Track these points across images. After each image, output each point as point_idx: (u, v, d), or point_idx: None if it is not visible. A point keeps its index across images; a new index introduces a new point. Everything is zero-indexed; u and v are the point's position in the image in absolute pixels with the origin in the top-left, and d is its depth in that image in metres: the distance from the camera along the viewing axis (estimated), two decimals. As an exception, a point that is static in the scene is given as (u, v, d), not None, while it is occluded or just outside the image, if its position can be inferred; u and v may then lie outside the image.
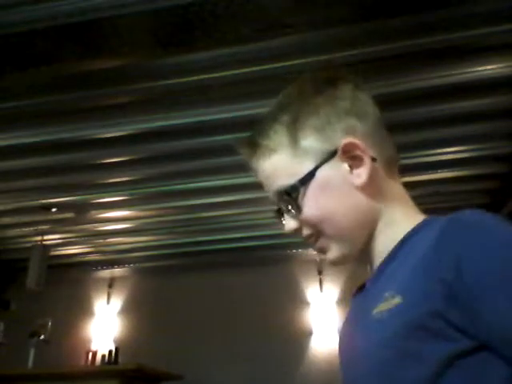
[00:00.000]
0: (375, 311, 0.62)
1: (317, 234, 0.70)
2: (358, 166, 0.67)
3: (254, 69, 2.47)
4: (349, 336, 0.71)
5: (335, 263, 0.71)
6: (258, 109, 2.75)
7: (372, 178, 0.67)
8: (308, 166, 0.68)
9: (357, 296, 0.76)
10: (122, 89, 2.64)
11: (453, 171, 3.46)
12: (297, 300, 4.85)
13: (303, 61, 2.42)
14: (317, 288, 4.87)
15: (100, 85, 2.61)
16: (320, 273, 4.94)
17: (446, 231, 0.57)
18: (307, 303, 4.82)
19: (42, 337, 4.06)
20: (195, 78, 2.52)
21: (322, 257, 0.72)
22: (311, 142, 0.69)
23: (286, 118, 0.73)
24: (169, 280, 5.10)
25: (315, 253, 0.75)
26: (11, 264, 5.09)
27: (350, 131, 0.69)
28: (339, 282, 4.82)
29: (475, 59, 2.44)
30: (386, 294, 0.61)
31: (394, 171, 0.72)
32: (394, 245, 0.66)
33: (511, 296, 0.51)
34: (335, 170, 0.68)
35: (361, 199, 0.68)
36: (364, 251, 0.71)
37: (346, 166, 0.68)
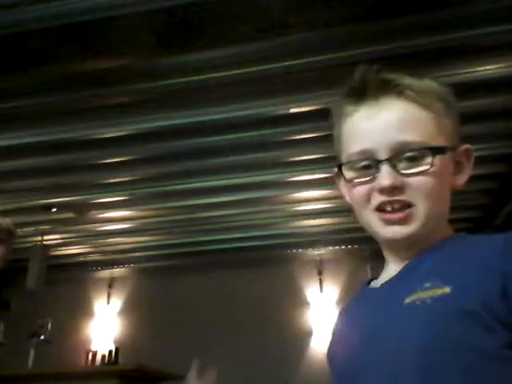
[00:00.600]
0: (410, 299, 0.63)
1: (408, 203, 0.69)
2: (459, 171, 0.74)
3: (254, 69, 2.46)
4: (371, 326, 0.70)
5: (405, 237, 0.70)
6: (258, 109, 2.76)
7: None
8: (443, 141, 0.70)
9: (373, 289, 0.76)
10: (122, 89, 2.64)
11: (453, 171, 3.46)
12: (297, 300, 4.85)
13: (303, 61, 2.42)
14: (317, 288, 4.87)
15: (100, 85, 2.61)
16: (320, 273, 4.94)
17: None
18: (307, 303, 4.82)
19: (42, 337, 4.06)
20: (195, 78, 2.52)
21: (392, 229, 0.70)
22: (451, 126, 0.73)
23: (443, 92, 0.75)
24: (169, 280, 5.10)
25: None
26: (11, 264, 5.08)
27: (462, 140, 0.75)
28: (339, 282, 4.83)
29: (475, 59, 2.44)
30: (427, 285, 0.63)
31: None
32: (430, 246, 0.70)
33: None
34: (450, 161, 0.72)
35: (448, 197, 0.73)
36: (417, 243, 0.71)
37: (452, 164, 0.72)
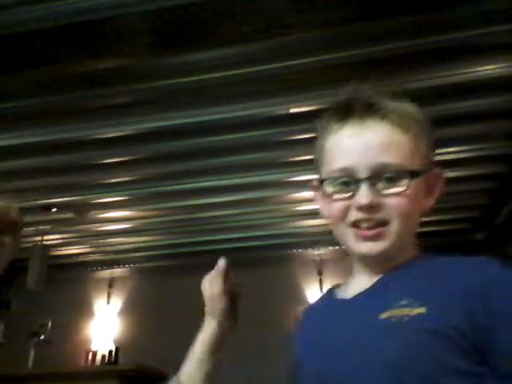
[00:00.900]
0: (385, 315, 0.67)
1: (382, 221, 0.72)
2: (429, 194, 0.77)
3: (254, 69, 2.46)
4: (346, 338, 0.72)
5: (378, 254, 0.73)
6: (258, 109, 2.76)
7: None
8: (418, 164, 0.73)
9: (344, 300, 0.79)
10: (122, 89, 2.64)
11: (453, 171, 3.46)
12: (297, 300, 4.85)
13: (303, 61, 2.42)
14: (317, 288, 4.87)
15: (100, 85, 2.61)
16: (320, 273, 4.94)
17: (485, 275, 0.66)
18: (307, 303, 4.82)
19: (42, 337, 4.06)
20: (195, 77, 2.52)
21: (367, 244, 0.73)
22: (426, 149, 0.77)
23: (420, 117, 0.78)
24: (169, 280, 5.10)
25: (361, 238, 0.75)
26: (11, 264, 5.07)
27: (435, 165, 0.78)
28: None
29: (475, 59, 2.44)
30: (403, 303, 0.66)
31: None
32: (401, 264, 0.74)
33: None
34: (423, 184, 0.75)
35: (419, 218, 0.77)
36: (389, 259, 0.75)
37: (424, 186, 0.75)
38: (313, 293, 4.85)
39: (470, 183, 3.66)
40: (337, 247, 4.82)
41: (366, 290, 0.74)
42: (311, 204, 4.00)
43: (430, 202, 0.78)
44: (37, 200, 3.83)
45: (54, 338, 4.17)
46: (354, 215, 0.73)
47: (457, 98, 2.71)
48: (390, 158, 0.71)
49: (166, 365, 3.78)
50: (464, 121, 2.90)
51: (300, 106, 2.75)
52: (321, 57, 2.39)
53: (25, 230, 4.31)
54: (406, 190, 0.71)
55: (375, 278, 0.75)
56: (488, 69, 2.45)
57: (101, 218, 4.22)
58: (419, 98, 2.64)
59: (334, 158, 0.75)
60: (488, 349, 0.62)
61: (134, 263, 5.24)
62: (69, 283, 5.24)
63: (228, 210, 4.07)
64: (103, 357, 4.68)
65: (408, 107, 0.77)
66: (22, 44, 2.31)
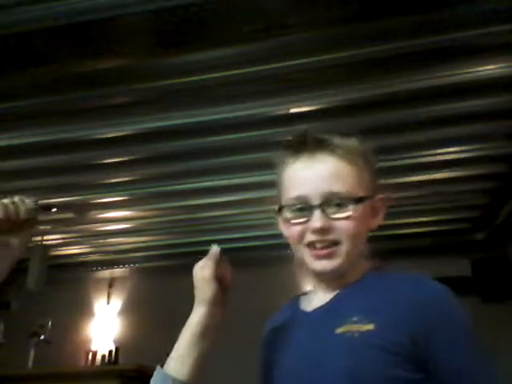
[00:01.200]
0: (340, 330, 0.77)
1: (334, 241, 0.83)
2: (375, 215, 0.88)
3: (254, 69, 2.46)
4: (306, 351, 0.81)
5: (331, 271, 0.84)
6: (258, 109, 2.76)
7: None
8: (363, 191, 0.84)
9: (305, 313, 0.89)
10: (122, 89, 2.64)
11: (453, 171, 3.46)
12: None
13: (303, 61, 2.42)
14: (317, 288, 4.87)
15: (100, 85, 2.61)
16: (320, 273, 4.94)
17: (421, 295, 0.78)
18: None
19: (42, 337, 4.06)
20: (195, 78, 2.52)
21: (322, 262, 0.84)
22: (368, 178, 0.87)
23: (362, 148, 0.88)
24: (169, 280, 5.09)
25: (314, 255, 0.85)
26: (11, 264, 5.08)
27: (379, 190, 0.89)
28: (339, 282, 4.83)
29: (475, 59, 2.44)
30: (355, 319, 0.76)
31: None
32: (354, 280, 0.85)
33: (463, 352, 0.74)
34: (368, 208, 0.86)
35: (366, 237, 0.88)
36: (341, 275, 0.86)
37: (370, 209, 0.86)
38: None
39: (470, 183, 3.66)
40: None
41: (325, 305, 0.85)
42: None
43: (376, 222, 0.89)
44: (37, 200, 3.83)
45: (54, 337, 4.17)
46: (310, 237, 0.83)
47: (457, 98, 2.71)
48: (339, 187, 0.82)
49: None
50: (464, 121, 2.90)
51: (300, 106, 2.75)
52: (321, 57, 2.39)
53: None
54: (352, 214, 0.82)
55: (332, 294, 0.86)
56: (488, 69, 2.45)
57: (101, 217, 4.22)
58: (419, 97, 2.66)
59: (291, 187, 0.86)
60: (429, 360, 0.73)
61: (134, 263, 5.23)
62: (69, 283, 5.23)
63: (228, 210, 4.07)
64: (103, 357, 4.68)
65: (353, 143, 0.87)
66: (22, 44, 2.31)
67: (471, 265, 4.42)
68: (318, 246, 0.83)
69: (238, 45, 2.35)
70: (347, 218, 0.82)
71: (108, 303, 5.31)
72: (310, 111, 2.75)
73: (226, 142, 3.08)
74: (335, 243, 0.82)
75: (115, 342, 5.01)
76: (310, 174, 0.84)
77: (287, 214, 0.86)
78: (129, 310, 5.24)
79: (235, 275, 0.97)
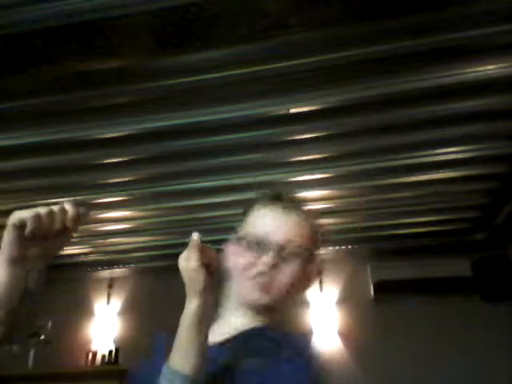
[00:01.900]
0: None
1: (276, 279, 0.99)
2: (307, 279, 1.10)
3: (254, 69, 2.46)
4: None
5: (265, 302, 1.00)
6: (258, 109, 2.76)
7: None
8: (309, 248, 1.05)
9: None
10: (122, 89, 2.64)
11: (453, 171, 3.46)
12: (297, 300, 4.84)
13: (303, 61, 2.42)
14: (317, 288, 4.87)
15: (100, 85, 2.61)
16: (320, 273, 4.94)
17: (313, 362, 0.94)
18: (307, 303, 4.82)
19: (42, 337, 4.06)
20: (195, 78, 2.52)
21: (258, 294, 0.99)
22: (315, 242, 1.07)
23: (315, 217, 1.11)
24: (169, 280, 5.07)
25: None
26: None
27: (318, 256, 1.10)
28: (339, 282, 4.82)
29: (475, 59, 2.44)
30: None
31: None
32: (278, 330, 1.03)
33: None
34: (309, 266, 1.06)
35: (296, 293, 1.09)
36: (270, 311, 1.04)
37: (308, 270, 1.08)
38: (313, 293, 4.85)
39: (470, 183, 3.66)
40: (337, 247, 4.82)
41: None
42: (311, 204, 4.00)
43: (307, 283, 1.08)
44: (37, 200, 3.83)
45: (54, 338, 4.17)
46: (256, 270, 0.98)
47: (457, 98, 2.71)
48: (294, 238, 1.01)
49: (166, 365, 3.78)
50: (464, 121, 2.90)
51: (300, 106, 2.75)
52: (321, 57, 2.39)
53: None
54: (299, 261, 1.00)
55: (253, 324, 1.01)
56: (488, 69, 2.45)
57: (101, 217, 4.22)
58: (419, 97, 2.66)
59: (255, 225, 1.06)
60: None
61: (133, 263, 5.23)
62: (69, 283, 5.23)
63: (228, 210, 4.07)
64: (103, 357, 4.68)
65: (307, 213, 1.09)
66: (23, 44, 2.31)
67: (471, 265, 4.42)
68: (262, 279, 0.98)
69: (238, 45, 2.35)
70: (294, 264, 1.00)
71: (108, 303, 5.31)
72: (309, 111, 2.75)
73: (225, 142, 3.08)
74: (276, 281, 1.00)
75: (115, 342, 5.00)
76: (275, 222, 1.03)
77: (245, 244, 1.03)
78: (129, 310, 5.24)
79: (211, 249, 0.97)
